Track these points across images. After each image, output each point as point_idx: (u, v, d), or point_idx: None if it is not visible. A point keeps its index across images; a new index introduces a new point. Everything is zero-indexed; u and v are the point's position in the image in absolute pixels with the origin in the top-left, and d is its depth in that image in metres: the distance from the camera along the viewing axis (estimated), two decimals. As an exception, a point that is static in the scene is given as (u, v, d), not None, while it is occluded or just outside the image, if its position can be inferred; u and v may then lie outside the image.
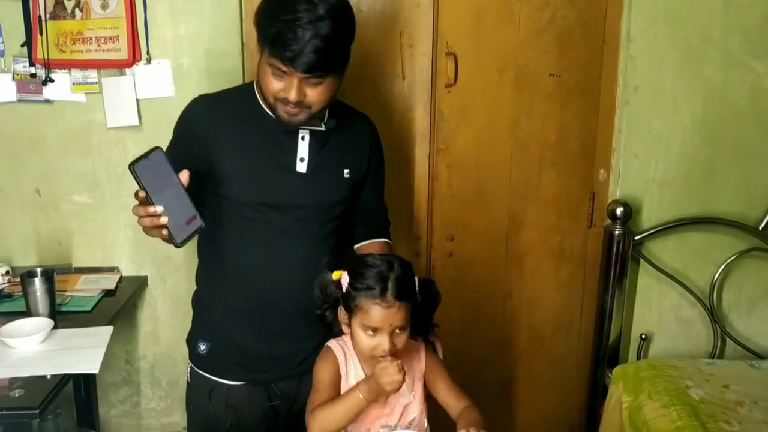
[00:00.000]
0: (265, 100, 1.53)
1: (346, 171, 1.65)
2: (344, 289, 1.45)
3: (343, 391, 1.48)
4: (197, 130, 1.58)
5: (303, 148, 1.59)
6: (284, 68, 1.41)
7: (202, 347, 1.69)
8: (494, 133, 2.34)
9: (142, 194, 1.31)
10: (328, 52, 1.40)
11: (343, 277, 1.46)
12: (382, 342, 1.40)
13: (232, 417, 1.66)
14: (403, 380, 1.36)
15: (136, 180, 1.28)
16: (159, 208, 1.30)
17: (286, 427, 1.52)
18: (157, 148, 1.33)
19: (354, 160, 1.68)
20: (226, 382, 1.67)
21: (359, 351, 1.47)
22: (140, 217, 1.34)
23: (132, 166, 1.27)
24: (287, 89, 1.44)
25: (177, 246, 1.36)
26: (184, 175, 1.36)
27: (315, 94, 1.46)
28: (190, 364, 1.74)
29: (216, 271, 1.68)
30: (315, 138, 1.60)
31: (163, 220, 1.31)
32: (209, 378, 1.69)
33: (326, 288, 1.49)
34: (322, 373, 1.50)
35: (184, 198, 1.35)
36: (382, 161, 1.79)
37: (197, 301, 1.75)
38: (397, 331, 1.41)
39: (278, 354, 1.66)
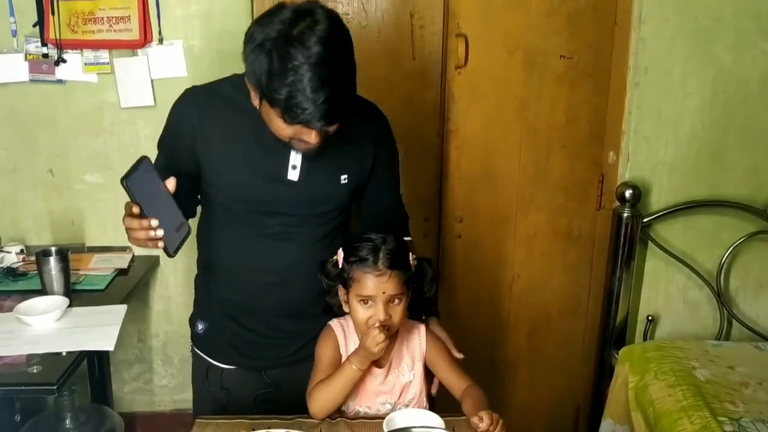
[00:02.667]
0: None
1: (343, 177, 1.56)
2: (340, 265, 1.47)
3: None
4: (185, 127, 1.52)
5: (295, 156, 1.50)
6: (305, 128, 1.33)
7: (200, 327, 1.70)
8: (504, 115, 2.34)
9: (136, 209, 1.26)
10: (340, 93, 1.31)
11: (339, 254, 1.49)
12: (377, 312, 1.42)
13: (226, 398, 1.67)
14: (386, 340, 1.39)
15: (129, 195, 1.25)
16: (154, 222, 1.26)
17: (282, 412, 1.52)
18: (144, 157, 1.29)
19: (354, 164, 1.58)
20: (220, 365, 1.68)
21: (357, 325, 1.49)
22: (133, 230, 1.29)
23: (124, 180, 1.23)
24: (306, 135, 1.35)
25: (171, 256, 1.32)
26: (171, 183, 1.32)
27: (334, 127, 1.38)
28: (191, 342, 1.75)
29: (209, 261, 1.65)
30: None
31: (159, 233, 1.27)
32: (205, 358, 1.70)
33: (328, 272, 1.51)
34: (322, 351, 1.53)
35: (173, 205, 1.33)
36: (392, 155, 1.68)
37: (197, 283, 1.74)
38: (393, 301, 1.44)
39: (269, 345, 1.65)
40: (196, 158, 1.52)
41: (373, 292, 1.42)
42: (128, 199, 1.27)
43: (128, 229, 1.30)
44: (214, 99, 1.52)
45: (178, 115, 1.55)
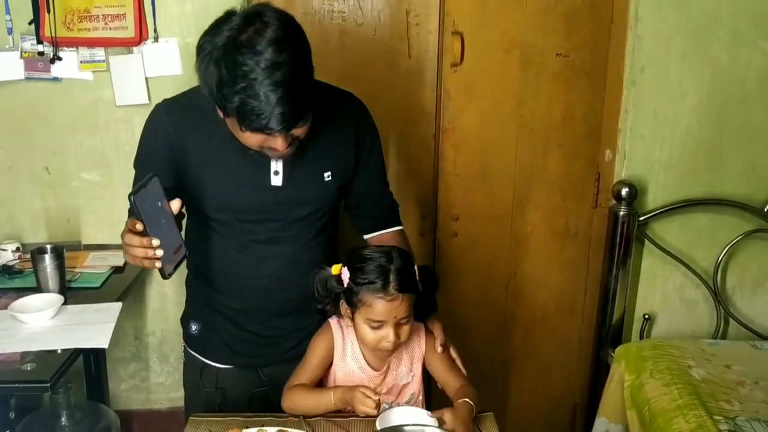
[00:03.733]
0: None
1: (326, 175, 1.54)
2: (345, 284, 1.45)
3: (335, 369, 1.52)
4: (162, 142, 1.49)
5: (276, 161, 1.48)
6: (264, 134, 1.31)
7: (194, 328, 1.69)
8: (500, 113, 2.34)
9: (139, 226, 1.23)
10: (298, 95, 1.27)
11: (343, 272, 1.46)
12: (388, 334, 1.42)
13: (221, 398, 1.67)
14: (377, 413, 1.38)
15: (135, 211, 1.22)
16: (156, 242, 1.24)
17: (277, 411, 1.52)
18: (153, 175, 1.27)
19: (337, 160, 1.56)
20: (215, 365, 1.68)
21: (364, 344, 1.49)
22: (133, 246, 1.26)
23: (132, 196, 1.21)
24: (272, 142, 1.33)
25: (165, 277, 1.31)
26: (176, 204, 1.30)
27: (300, 131, 1.35)
28: (184, 343, 1.75)
29: (198, 267, 1.64)
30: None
31: (159, 252, 1.25)
32: (200, 359, 1.70)
33: (326, 283, 1.48)
34: (314, 349, 1.53)
35: (173, 227, 1.31)
36: (374, 145, 1.64)
37: (188, 285, 1.73)
38: (401, 322, 1.43)
39: (264, 343, 1.65)
40: (175, 172, 1.49)
41: (385, 317, 1.41)
42: (127, 202, 1.25)
43: (127, 245, 1.28)
44: (188, 110, 1.50)
45: (153, 131, 1.52)
